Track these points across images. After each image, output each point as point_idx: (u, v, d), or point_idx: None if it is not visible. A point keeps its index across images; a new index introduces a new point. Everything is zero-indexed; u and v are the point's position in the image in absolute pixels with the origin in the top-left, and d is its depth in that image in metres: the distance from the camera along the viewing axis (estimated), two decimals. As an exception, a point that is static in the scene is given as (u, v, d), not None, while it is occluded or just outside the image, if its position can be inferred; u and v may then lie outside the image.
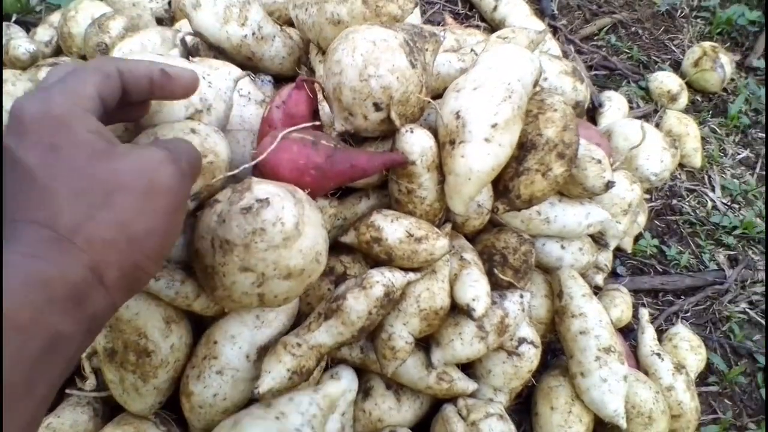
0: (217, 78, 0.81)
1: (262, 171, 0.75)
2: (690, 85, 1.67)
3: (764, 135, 1.60)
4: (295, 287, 0.70)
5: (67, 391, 0.85)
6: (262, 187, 0.67)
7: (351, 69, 0.77)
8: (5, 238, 0.42)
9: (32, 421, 0.40)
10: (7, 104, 0.99)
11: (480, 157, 0.78)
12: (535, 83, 0.90)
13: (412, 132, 0.82)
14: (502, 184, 0.92)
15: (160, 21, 1.24)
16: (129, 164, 0.47)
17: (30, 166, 0.44)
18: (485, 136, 0.79)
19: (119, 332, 0.75)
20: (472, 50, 1.09)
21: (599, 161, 0.98)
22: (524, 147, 0.90)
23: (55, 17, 1.28)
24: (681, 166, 1.47)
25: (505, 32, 1.32)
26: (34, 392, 0.39)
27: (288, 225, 0.66)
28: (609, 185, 0.98)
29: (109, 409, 0.85)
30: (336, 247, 0.88)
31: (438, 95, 0.94)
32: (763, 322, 1.20)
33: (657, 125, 1.49)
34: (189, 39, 1.01)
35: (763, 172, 1.52)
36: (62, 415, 0.82)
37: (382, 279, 0.79)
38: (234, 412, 0.79)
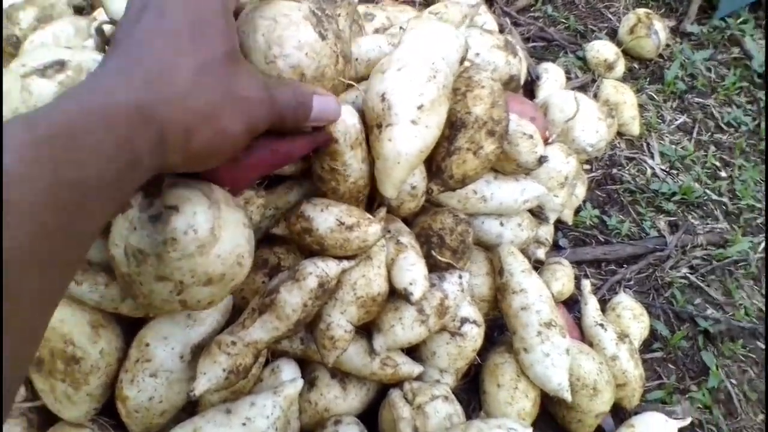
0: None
1: None
2: (626, 53, 1.68)
3: (699, 102, 1.63)
4: (218, 292, 0.68)
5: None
6: (172, 191, 0.64)
7: (255, 53, 0.72)
8: None
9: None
10: None
11: (407, 140, 0.77)
12: (462, 60, 0.89)
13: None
14: (434, 165, 0.91)
15: (79, 10, 1.18)
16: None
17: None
18: (411, 118, 0.77)
19: (45, 340, 0.73)
20: (401, 29, 1.08)
21: (531, 136, 0.97)
22: (454, 126, 0.89)
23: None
24: (620, 134, 1.48)
25: (437, 7, 1.31)
26: (77, 240, 0.38)
27: (201, 232, 0.63)
28: (542, 160, 0.98)
29: (44, 418, 0.82)
30: (270, 239, 0.86)
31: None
32: (703, 286, 1.22)
33: (595, 95, 1.49)
34: (107, 28, 0.97)
35: (701, 137, 1.54)
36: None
37: (315, 270, 0.77)
38: (172, 413, 0.77)
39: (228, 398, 0.80)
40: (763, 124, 1.59)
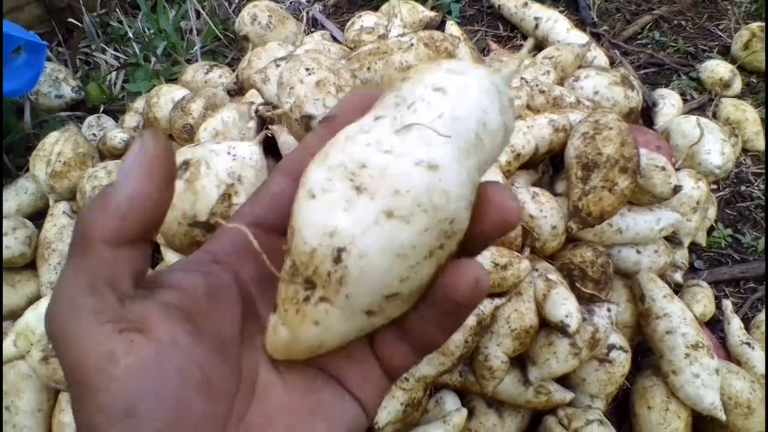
0: (240, 148, 0.91)
1: None
2: (743, 69, 1.68)
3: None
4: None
5: None
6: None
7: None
8: None
9: None
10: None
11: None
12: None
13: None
14: (571, 205, 0.98)
15: (230, 93, 1.35)
16: None
17: None
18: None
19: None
20: (522, 79, 1.16)
21: (663, 168, 1.02)
22: (586, 167, 0.96)
23: (138, 103, 1.41)
24: (745, 151, 1.48)
25: (550, 51, 1.38)
26: None
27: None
28: (677, 189, 1.02)
29: None
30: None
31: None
32: None
33: (714, 115, 1.51)
34: (262, 109, 1.11)
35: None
36: None
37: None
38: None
39: (401, 430, 0.89)
40: None
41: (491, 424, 0.96)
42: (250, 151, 0.94)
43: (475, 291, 0.29)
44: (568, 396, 0.96)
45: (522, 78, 1.17)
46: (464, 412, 0.88)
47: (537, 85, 1.16)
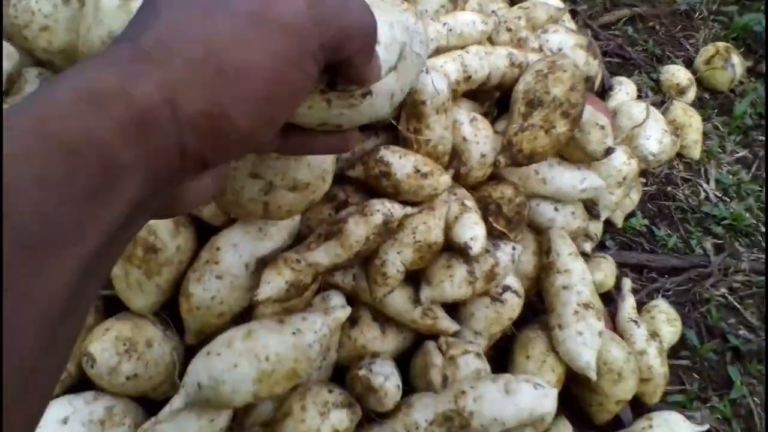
0: None
1: None
2: (700, 83, 1.70)
3: (765, 136, 1.64)
4: (298, 201, 0.74)
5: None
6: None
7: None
8: None
9: (87, 270, 0.27)
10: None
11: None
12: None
13: (427, 72, 0.85)
14: (506, 139, 0.96)
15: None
16: None
17: None
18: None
19: (129, 228, 0.79)
20: (493, 12, 1.13)
21: (602, 127, 1.02)
22: (531, 104, 0.94)
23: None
24: (680, 156, 1.51)
25: (525, 4, 1.36)
26: (86, 238, 0.27)
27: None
28: (609, 151, 1.02)
29: (109, 307, 0.89)
30: (340, 179, 0.92)
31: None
32: (740, 308, 1.25)
33: (663, 114, 1.52)
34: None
35: (760, 172, 1.56)
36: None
37: (382, 208, 0.83)
38: (228, 317, 0.84)
39: (279, 313, 0.85)
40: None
41: (372, 336, 0.94)
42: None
43: None
44: (454, 327, 0.95)
45: (493, 11, 1.13)
46: (348, 309, 0.85)
47: (506, 22, 1.14)
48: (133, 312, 0.85)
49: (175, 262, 0.82)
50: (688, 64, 1.77)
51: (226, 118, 0.32)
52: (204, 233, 0.87)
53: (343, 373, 0.92)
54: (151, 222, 0.79)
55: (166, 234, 0.80)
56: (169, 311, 0.87)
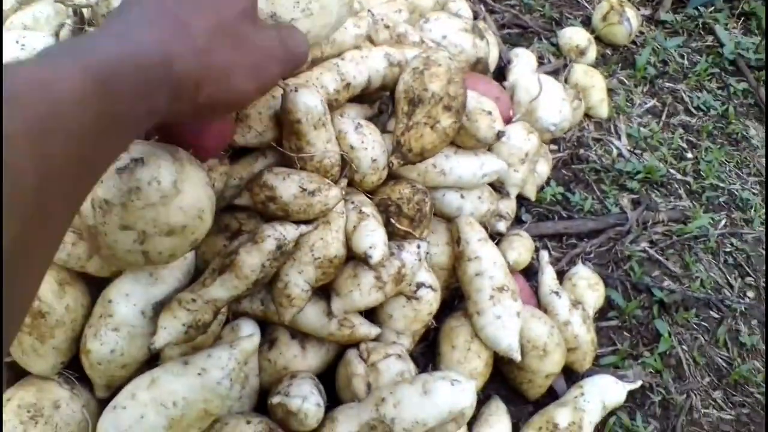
0: (32, 38, 0.86)
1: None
2: (600, 40, 1.72)
3: (669, 87, 1.67)
4: (179, 244, 0.73)
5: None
6: (138, 147, 0.70)
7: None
8: None
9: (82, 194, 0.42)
10: None
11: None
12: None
13: (296, 91, 0.85)
14: (394, 140, 0.96)
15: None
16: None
17: None
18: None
19: (16, 298, 0.77)
20: (368, 11, 1.12)
21: (489, 113, 1.02)
22: (412, 102, 0.94)
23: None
24: (589, 117, 1.53)
25: (409, -8, 1.35)
26: (96, 170, 0.42)
27: (165, 183, 0.69)
28: (500, 135, 1.03)
29: (14, 374, 0.87)
30: (233, 207, 0.91)
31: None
32: (662, 259, 1.27)
33: (566, 79, 1.54)
34: (85, 10, 1.01)
35: (670, 120, 1.59)
36: (-36, 382, 0.85)
37: (273, 233, 0.82)
38: (134, 367, 0.82)
39: (188, 353, 0.85)
40: (731, 109, 1.63)
41: (292, 355, 0.93)
42: (44, 42, 0.85)
43: None
44: (374, 331, 0.95)
45: (368, 10, 1.13)
46: (255, 338, 0.84)
47: (382, 19, 1.13)
48: (37, 375, 0.84)
49: (67, 322, 0.80)
50: (587, 22, 1.79)
51: (227, 98, 0.55)
52: (98, 287, 0.85)
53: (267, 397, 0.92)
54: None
55: (51, 297, 0.78)
56: (75, 368, 0.86)
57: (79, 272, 0.81)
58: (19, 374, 0.86)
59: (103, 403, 0.86)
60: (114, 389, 0.84)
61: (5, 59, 0.81)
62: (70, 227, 0.78)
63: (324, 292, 0.93)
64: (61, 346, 0.81)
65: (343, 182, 0.94)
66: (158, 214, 0.69)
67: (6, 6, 1.07)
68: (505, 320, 0.95)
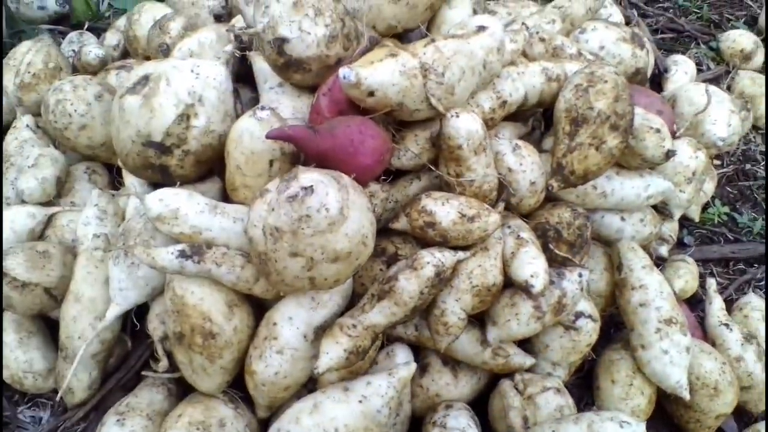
0: (205, 66, 0.87)
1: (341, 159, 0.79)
2: None
3: None
4: (343, 269, 0.73)
5: (143, 373, 0.92)
6: (306, 176, 0.70)
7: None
8: None
9: None
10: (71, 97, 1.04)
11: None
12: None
13: (457, 116, 0.83)
14: (554, 161, 0.91)
15: (218, 18, 1.28)
16: None
17: None
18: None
19: (186, 317, 0.81)
20: (523, 24, 1.08)
21: (658, 130, 0.95)
22: (575, 122, 0.89)
23: (122, 21, 1.34)
24: (756, 128, 1.40)
25: (560, 2, 1.30)
26: None
27: (332, 210, 0.69)
28: (669, 154, 0.95)
29: (182, 388, 0.91)
30: (388, 230, 0.90)
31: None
32: None
33: (728, 87, 1.42)
34: (238, 30, 1.04)
35: None
36: (139, 395, 0.89)
37: (432, 260, 0.81)
38: (295, 389, 0.84)
39: (345, 378, 0.85)
40: None
41: (444, 382, 0.92)
42: (216, 71, 0.88)
43: None
44: (528, 361, 0.92)
45: (523, 23, 1.09)
46: (412, 366, 0.83)
47: (537, 33, 1.08)
48: (203, 393, 0.87)
49: (234, 343, 0.82)
50: (752, 23, 1.65)
51: None
52: (260, 308, 0.87)
53: (419, 423, 0.90)
54: (204, 307, 0.80)
55: (221, 319, 0.81)
56: (238, 387, 0.88)
57: (245, 294, 0.83)
58: (186, 389, 0.89)
59: (261, 423, 0.88)
60: (274, 410, 0.86)
61: (186, 90, 0.85)
62: (239, 250, 0.81)
63: (478, 319, 0.91)
64: (228, 366, 0.83)
65: (501, 206, 0.91)
66: (327, 241, 0.69)
67: (173, 32, 1.12)
68: (673, 355, 0.88)
